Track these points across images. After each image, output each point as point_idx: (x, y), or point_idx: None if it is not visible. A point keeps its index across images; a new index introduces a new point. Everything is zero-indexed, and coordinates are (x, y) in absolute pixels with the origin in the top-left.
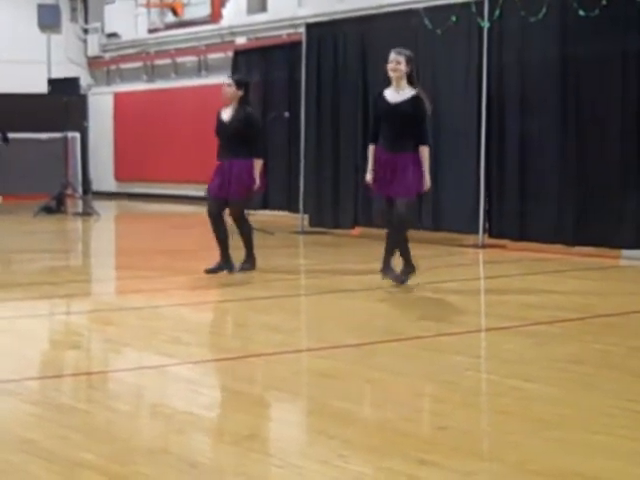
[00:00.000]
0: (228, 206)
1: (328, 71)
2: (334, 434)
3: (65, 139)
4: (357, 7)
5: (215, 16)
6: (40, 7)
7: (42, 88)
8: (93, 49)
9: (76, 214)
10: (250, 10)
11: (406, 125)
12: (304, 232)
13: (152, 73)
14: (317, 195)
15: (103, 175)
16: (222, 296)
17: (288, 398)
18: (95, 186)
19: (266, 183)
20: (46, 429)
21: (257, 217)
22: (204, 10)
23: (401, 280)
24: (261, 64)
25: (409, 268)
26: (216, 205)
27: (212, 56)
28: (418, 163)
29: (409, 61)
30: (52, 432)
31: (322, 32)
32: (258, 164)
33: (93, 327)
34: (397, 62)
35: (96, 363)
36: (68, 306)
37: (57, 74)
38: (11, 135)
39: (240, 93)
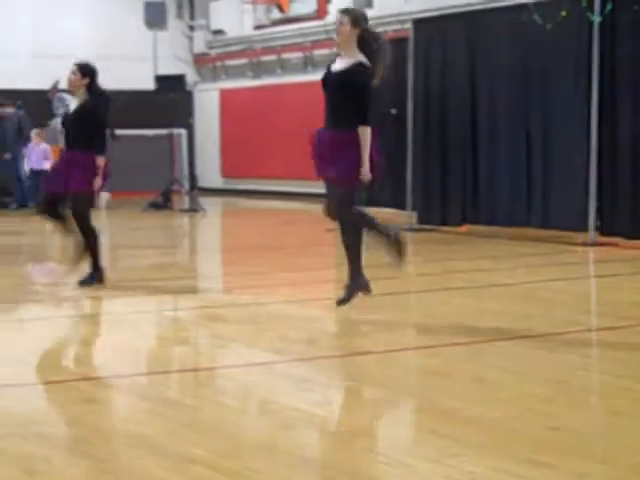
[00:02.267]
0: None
1: (435, 67)
2: (444, 433)
3: (172, 136)
4: (465, 2)
5: (321, 12)
6: (147, 4)
7: (149, 85)
8: (199, 46)
9: (183, 210)
10: (356, 6)
11: (341, 98)
12: (411, 229)
13: (258, 69)
14: (424, 192)
15: (209, 171)
16: (330, 293)
17: (397, 396)
18: (201, 182)
19: (105, 183)
20: (157, 424)
21: None
22: (310, 6)
23: (343, 299)
24: None
25: (355, 283)
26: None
27: (318, 52)
28: (356, 144)
29: (356, 21)
30: (163, 427)
31: (429, 28)
32: (99, 161)
33: (201, 323)
34: (340, 23)
35: (204, 359)
36: (176, 302)
37: (163, 71)
38: (118, 132)
39: (85, 81)
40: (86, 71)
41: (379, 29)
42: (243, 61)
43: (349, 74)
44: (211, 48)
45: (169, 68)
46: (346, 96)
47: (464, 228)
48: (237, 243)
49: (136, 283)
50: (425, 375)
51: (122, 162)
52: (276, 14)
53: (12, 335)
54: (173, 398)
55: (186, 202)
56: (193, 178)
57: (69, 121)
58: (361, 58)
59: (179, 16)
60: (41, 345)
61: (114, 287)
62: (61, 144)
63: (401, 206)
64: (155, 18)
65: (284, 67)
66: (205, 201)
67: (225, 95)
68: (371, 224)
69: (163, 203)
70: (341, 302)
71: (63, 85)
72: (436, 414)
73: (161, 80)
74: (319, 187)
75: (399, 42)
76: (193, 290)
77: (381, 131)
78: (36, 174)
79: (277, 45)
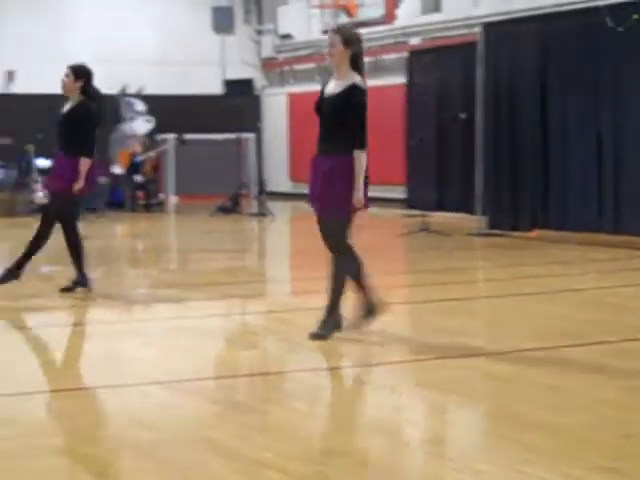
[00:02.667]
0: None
1: (505, 71)
2: (514, 438)
3: (240, 140)
4: (536, 5)
5: (389, 17)
6: (214, 10)
7: (217, 89)
8: (267, 50)
9: (251, 214)
10: (424, 10)
11: (335, 122)
12: (480, 234)
13: (325, 73)
14: (494, 197)
15: (277, 176)
16: (400, 298)
17: (468, 402)
18: (269, 187)
19: (91, 186)
20: (227, 428)
21: (433, 218)
22: (378, 11)
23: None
24: (436, 65)
25: (331, 319)
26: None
27: (386, 57)
28: (350, 171)
29: (348, 41)
30: (232, 431)
31: (499, 32)
32: (84, 164)
33: (269, 327)
34: (331, 43)
35: (273, 363)
36: (245, 306)
37: (231, 76)
38: (188, 136)
39: (79, 84)
40: (80, 74)
41: (447, 33)
42: (311, 65)
43: (344, 97)
44: (279, 52)
45: (237, 72)
46: (341, 121)
47: (534, 233)
48: (305, 247)
49: (205, 287)
50: (496, 381)
51: (191, 166)
52: (344, 18)
53: (78, 340)
54: (242, 402)
55: (254, 206)
56: (261, 182)
57: (59, 123)
58: (356, 79)
59: (247, 21)
60: (110, 349)
61: (184, 290)
62: (129, 148)
63: (470, 211)
64: (223, 23)
65: None
66: (273, 205)
67: (293, 99)
68: (358, 273)
69: (232, 207)
70: (316, 337)
71: (131, 90)
72: (507, 420)
73: (229, 85)
74: (388, 192)
75: (468, 46)
76: (261, 294)
77: (450, 136)
78: None
79: None
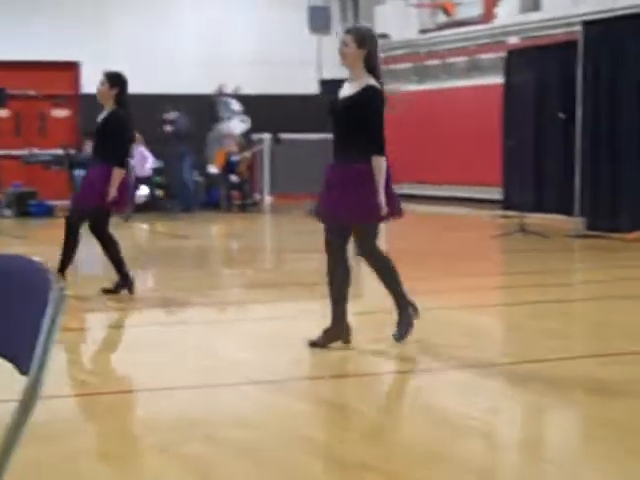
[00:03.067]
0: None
1: (606, 71)
2: (612, 442)
3: None
4: (638, 3)
5: (487, 16)
6: (311, 9)
7: (313, 89)
8: None
9: None
10: (523, 9)
11: (351, 127)
12: (578, 236)
13: (422, 74)
14: (593, 198)
15: None
16: (499, 299)
17: (567, 405)
18: None
19: (126, 199)
20: (324, 429)
21: (529, 219)
22: (476, 10)
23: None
24: (535, 64)
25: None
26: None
27: (483, 56)
28: (370, 179)
29: (362, 41)
30: (330, 432)
31: (600, 30)
32: (116, 174)
33: (364, 328)
34: (344, 44)
35: (370, 364)
36: None
37: (327, 75)
38: (283, 136)
39: (114, 92)
40: (115, 81)
41: (547, 32)
42: (408, 65)
43: (358, 100)
44: None
45: (333, 72)
46: (356, 125)
47: (633, 235)
48: (400, 248)
49: (300, 287)
50: (595, 384)
51: (286, 166)
52: (442, 18)
53: (180, 338)
54: (339, 403)
55: None
56: None
57: (95, 132)
58: (371, 81)
59: (343, 20)
60: (207, 349)
61: (279, 290)
62: (225, 148)
63: (568, 212)
64: (319, 23)
65: (449, 71)
66: None
67: (389, 99)
68: (397, 283)
69: None
70: (399, 338)
71: (228, 90)
72: (605, 424)
73: (325, 84)
74: (484, 192)
75: (567, 45)
76: (356, 294)
77: (549, 136)
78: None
79: (442, 49)
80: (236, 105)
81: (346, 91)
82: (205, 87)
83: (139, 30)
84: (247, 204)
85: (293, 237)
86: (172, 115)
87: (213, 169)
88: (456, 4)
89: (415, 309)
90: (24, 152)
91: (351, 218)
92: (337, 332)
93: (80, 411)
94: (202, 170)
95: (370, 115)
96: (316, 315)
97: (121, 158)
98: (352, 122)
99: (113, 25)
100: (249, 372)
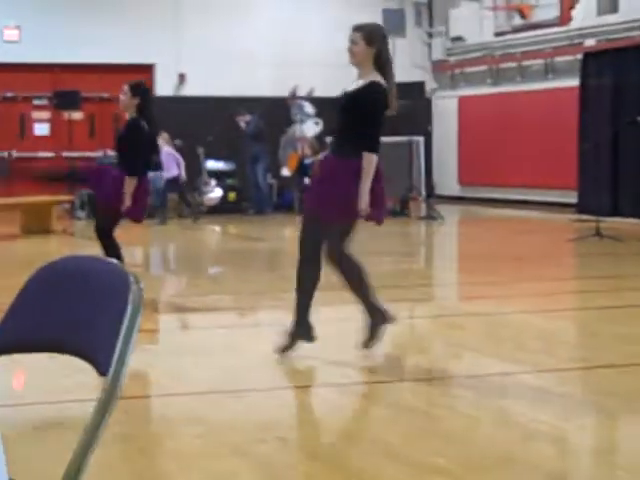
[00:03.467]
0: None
1: None
2: None
3: (410, 143)
4: None
5: (564, 18)
6: (385, 12)
7: None
8: (437, 53)
9: (420, 218)
10: (601, 11)
11: (348, 120)
12: None
13: (497, 76)
14: None
15: (447, 179)
16: (570, 304)
17: None
18: (438, 190)
19: (140, 210)
20: (399, 432)
21: (605, 223)
22: (553, 12)
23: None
24: (612, 67)
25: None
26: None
27: (559, 59)
28: (357, 176)
29: (371, 39)
30: (405, 435)
31: None
32: (128, 183)
33: (438, 332)
34: (352, 41)
35: (442, 368)
36: (413, 310)
37: (402, 78)
38: None
39: (135, 101)
40: (137, 91)
41: (625, 34)
42: (482, 68)
43: (359, 94)
44: (450, 55)
45: (408, 75)
46: (354, 118)
47: None
48: (474, 252)
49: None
50: None
51: None
52: (517, 20)
53: (251, 341)
54: (413, 406)
55: (423, 210)
56: (430, 186)
57: (116, 139)
58: (377, 78)
59: (418, 23)
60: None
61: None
62: (299, 151)
63: None
64: (394, 26)
65: (524, 74)
66: (442, 209)
67: (464, 102)
68: (366, 289)
69: (400, 210)
70: (366, 345)
71: (301, 92)
72: None
73: (400, 87)
74: (559, 196)
75: None
76: (430, 298)
77: (626, 140)
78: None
79: (517, 52)
80: (310, 108)
81: (352, 87)
82: (279, 89)
83: (214, 33)
84: None
85: (367, 240)
86: (246, 117)
87: (286, 172)
88: (532, 6)
89: (389, 317)
90: (98, 154)
91: (327, 214)
92: (301, 332)
93: (154, 412)
94: (275, 172)
95: (368, 110)
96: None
97: (135, 168)
98: (350, 117)
99: (188, 28)
100: (322, 374)
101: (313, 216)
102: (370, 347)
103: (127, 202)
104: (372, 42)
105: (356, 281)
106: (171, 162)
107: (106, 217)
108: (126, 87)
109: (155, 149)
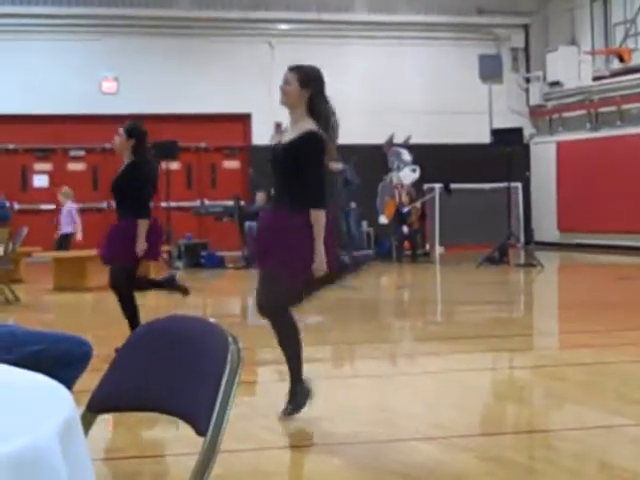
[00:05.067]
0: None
1: None
2: None
3: (508, 189)
4: None
5: None
6: (482, 57)
7: (485, 139)
8: (535, 98)
9: (519, 265)
10: None
11: (288, 175)
12: None
13: (596, 121)
14: None
15: (546, 225)
16: None
17: None
18: (537, 236)
19: (158, 248)
20: None
21: None
22: None
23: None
24: None
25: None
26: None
27: None
28: (307, 230)
29: (306, 81)
30: None
31: None
32: (141, 226)
33: (538, 382)
34: (286, 82)
35: (542, 420)
36: (513, 360)
37: (499, 124)
38: (454, 186)
39: (130, 143)
40: (132, 133)
41: None
42: (581, 112)
43: (295, 146)
44: (547, 100)
45: (505, 121)
46: (292, 172)
47: None
48: (574, 299)
49: (472, 339)
50: None
51: (457, 216)
52: (616, 64)
53: (351, 392)
54: (514, 460)
55: (522, 257)
56: (529, 232)
57: (113, 187)
58: (311, 125)
59: (514, 68)
60: (378, 402)
61: (450, 342)
62: (396, 198)
63: None
64: (490, 71)
65: (623, 118)
66: (541, 255)
67: (562, 147)
68: (296, 349)
69: (499, 258)
70: (288, 413)
71: (398, 139)
72: None
73: (497, 133)
74: None
75: None
76: (530, 347)
77: None
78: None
79: (616, 95)
80: (407, 155)
81: (287, 137)
82: (375, 137)
83: None
84: (418, 255)
85: (464, 288)
86: (339, 166)
87: (383, 219)
88: (631, 50)
89: (309, 390)
90: (195, 204)
91: (277, 269)
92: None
93: (253, 466)
94: (371, 220)
95: (306, 163)
96: (488, 368)
97: (144, 210)
98: (288, 169)
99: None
100: (421, 427)
101: (264, 269)
102: (290, 414)
103: (142, 246)
104: (306, 84)
105: (293, 342)
106: (68, 218)
107: (125, 269)
108: (121, 129)
109: (156, 188)
